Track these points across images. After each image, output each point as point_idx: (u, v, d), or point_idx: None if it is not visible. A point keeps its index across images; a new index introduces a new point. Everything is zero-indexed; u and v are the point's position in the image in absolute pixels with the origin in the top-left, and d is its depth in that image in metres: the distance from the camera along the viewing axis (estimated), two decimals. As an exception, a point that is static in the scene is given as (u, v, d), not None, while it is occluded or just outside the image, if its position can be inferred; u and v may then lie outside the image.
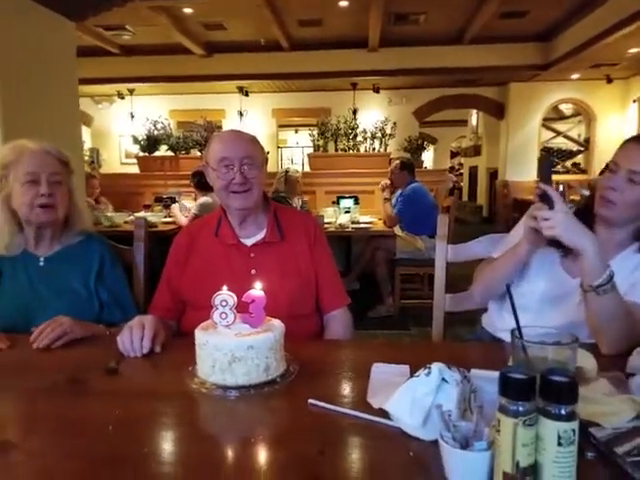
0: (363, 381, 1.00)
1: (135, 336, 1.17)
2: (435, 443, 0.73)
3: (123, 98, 9.70)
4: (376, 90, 9.10)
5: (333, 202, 5.06)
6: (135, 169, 6.55)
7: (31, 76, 2.48)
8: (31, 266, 1.46)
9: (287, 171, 4.38)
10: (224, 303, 1.03)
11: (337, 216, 4.41)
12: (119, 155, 10.23)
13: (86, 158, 7.77)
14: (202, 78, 8.33)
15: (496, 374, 0.65)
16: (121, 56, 8.09)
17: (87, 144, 9.65)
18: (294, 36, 7.56)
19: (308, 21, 6.87)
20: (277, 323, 1.07)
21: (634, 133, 7.25)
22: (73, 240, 1.52)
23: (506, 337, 0.83)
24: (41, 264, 1.47)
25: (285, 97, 9.78)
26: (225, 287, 1.05)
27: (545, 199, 1.14)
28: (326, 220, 4.41)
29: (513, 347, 0.81)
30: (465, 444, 0.69)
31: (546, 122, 9.63)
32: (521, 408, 0.61)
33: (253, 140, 1.51)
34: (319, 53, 7.85)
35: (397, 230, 4.29)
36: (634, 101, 8.59)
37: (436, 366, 0.83)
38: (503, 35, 7.50)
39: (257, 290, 1.05)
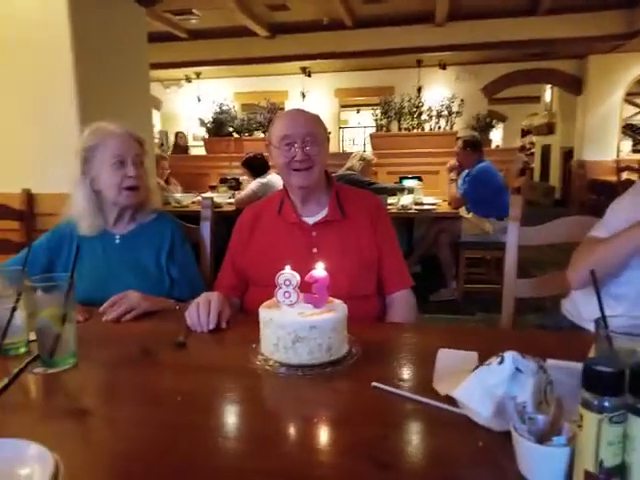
0: (428, 366, 0.97)
1: (202, 312, 1.20)
2: (505, 434, 0.69)
3: (190, 82, 9.96)
4: (442, 66, 8.77)
5: (395, 183, 4.97)
6: (202, 151, 6.74)
7: (105, 62, 2.58)
8: (108, 244, 1.54)
9: (364, 151, 4.76)
10: (287, 282, 1.03)
11: (400, 197, 4.32)
12: (186, 139, 10.55)
13: (156, 141, 8.08)
14: (266, 60, 8.36)
15: (575, 365, 0.60)
16: (188, 40, 8.26)
17: (157, 127, 10.04)
18: (358, 13, 7.39)
19: (373, -3, 6.69)
20: (340, 304, 1.06)
21: None
22: (147, 219, 1.58)
23: (591, 327, 0.76)
24: (117, 241, 1.54)
25: (348, 76, 9.65)
26: (288, 266, 1.05)
27: None
28: (388, 201, 4.35)
29: (597, 337, 0.75)
30: (541, 438, 0.64)
31: (629, 97, 8.90)
32: (607, 404, 0.56)
33: (315, 118, 1.50)
34: (384, 30, 7.62)
35: (463, 212, 4.15)
36: None
37: (509, 354, 0.78)
38: (582, 3, 6.93)
39: (320, 270, 1.04)
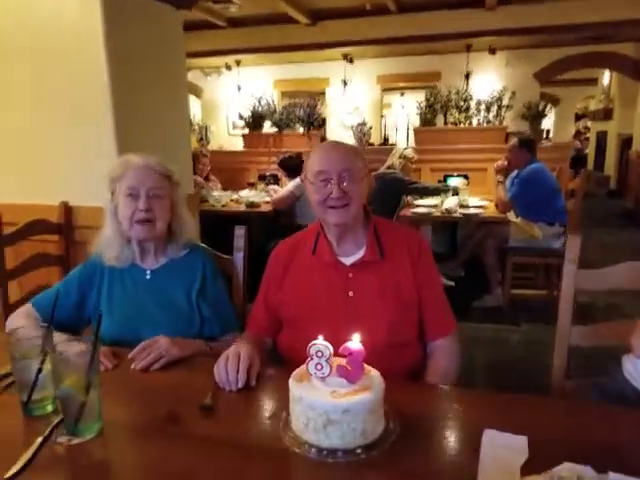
0: (473, 453, 0.88)
1: (231, 368, 1.16)
2: None
3: (230, 69, 9.92)
4: (492, 51, 8.33)
5: (439, 181, 4.79)
6: (241, 140, 6.72)
7: (140, 64, 2.52)
8: (139, 279, 1.51)
9: (405, 148, 4.54)
10: (320, 354, 0.95)
11: (444, 199, 4.14)
12: (226, 127, 10.57)
13: (196, 130, 8.10)
14: (306, 47, 8.18)
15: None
16: (228, 28, 8.19)
17: (197, 117, 10.08)
18: (403, -3, 7.11)
19: (419, -20, 6.40)
20: (376, 377, 0.98)
21: None
22: (178, 253, 1.54)
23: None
24: (147, 277, 1.51)
25: (391, 62, 9.33)
26: (321, 337, 0.97)
27: None
28: (432, 202, 4.19)
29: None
30: None
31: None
32: None
33: (353, 152, 1.41)
34: (430, 14, 7.26)
35: (511, 215, 3.95)
36: None
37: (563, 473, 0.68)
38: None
39: (355, 342, 0.96)
